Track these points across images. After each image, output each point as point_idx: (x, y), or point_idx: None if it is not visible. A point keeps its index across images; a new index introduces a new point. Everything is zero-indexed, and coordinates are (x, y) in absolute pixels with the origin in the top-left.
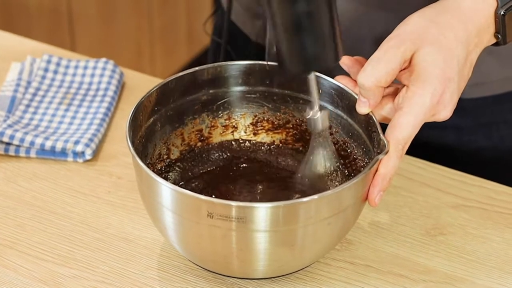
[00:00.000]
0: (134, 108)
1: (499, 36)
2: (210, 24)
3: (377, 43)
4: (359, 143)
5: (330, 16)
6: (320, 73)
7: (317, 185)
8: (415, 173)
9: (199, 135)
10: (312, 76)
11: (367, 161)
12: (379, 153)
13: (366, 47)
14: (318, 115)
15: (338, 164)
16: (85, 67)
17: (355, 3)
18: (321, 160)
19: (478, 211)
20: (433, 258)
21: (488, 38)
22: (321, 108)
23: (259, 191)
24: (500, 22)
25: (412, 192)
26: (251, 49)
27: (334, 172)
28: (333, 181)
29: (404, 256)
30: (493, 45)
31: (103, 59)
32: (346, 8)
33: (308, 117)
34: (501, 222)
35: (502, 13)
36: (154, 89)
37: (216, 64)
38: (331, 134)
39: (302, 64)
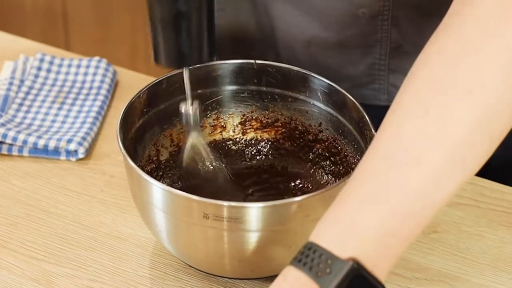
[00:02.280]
0: (124, 109)
1: None
2: None
3: (307, 43)
4: (350, 140)
5: (208, 15)
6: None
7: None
8: None
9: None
10: (185, 71)
11: (359, 157)
12: None
13: (299, 47)
14: (190, 109)
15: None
16: (78, 66)
17: (284, 3)
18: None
19: (473, 209)
20: (427, 255)
21: None
22: (194, 102)
23: (250, 190)
24: None
25: None
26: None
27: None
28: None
29: None
30: None
31: (96, 58)
32: (278, 7)
33: (182, 111)
34: (495, 220)
35: None
36: (144, 90)
37: (203, 64)
38: (320, 131)
39: (177, 61)
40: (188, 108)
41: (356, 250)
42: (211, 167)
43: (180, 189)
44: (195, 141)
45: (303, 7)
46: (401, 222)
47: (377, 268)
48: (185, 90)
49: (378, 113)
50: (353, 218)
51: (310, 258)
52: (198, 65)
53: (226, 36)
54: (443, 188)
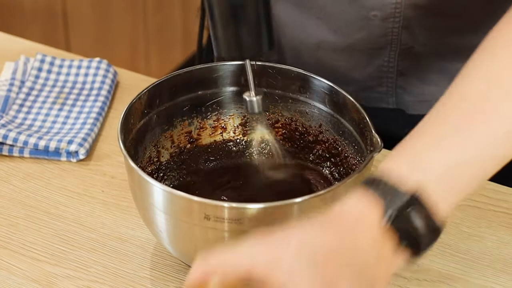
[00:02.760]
0: (125, 111)
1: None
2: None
3: (315, 47)
4: (350, 141)
5: (264, 7)
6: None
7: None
8: None
9: (188, 137)
10: (247, 62)
11: (359, 159)
12: (372, 151)
13: (306, 50)
14: (254, 98)
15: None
16: (79, 67)
17: (292, 7)
18: (263, 145)
19: (473, 209)
20: (427, 256)
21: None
22: (258, 93)
23: (250, 191)
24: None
25: None
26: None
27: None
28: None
29: None
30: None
31: (97, 59)
32: (285, 11)
33: (245, 98)
34: (495, 221)
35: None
36: (145, 91)
37: (204, 65)
38: (321, 132)
39: (237, 51)
40: (252, 97)
41: (421, 183)
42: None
43: (181, 190)
44: (261, 130)
45: (312, 11)
46: (468, 167)
47: (437, 205)
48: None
49: (384, 116)
50: (422, 153)
51: (377, 183)
52: (259, 57)
53: None
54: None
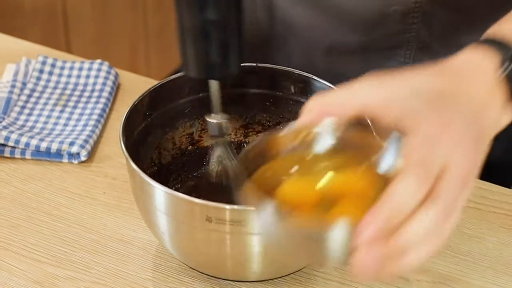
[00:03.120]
0: (127, 112)
1: None
2: None
3: (326, 50)
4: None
5: (237, 26)
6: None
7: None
8: None
9: (189, 138)
10: (213, 83)
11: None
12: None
13: (317, 54)
14: (215, 120)
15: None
16: (80, 69)
17: (307, 9)
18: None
19: (473, 211)
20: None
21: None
22: (223, 116)
23: None
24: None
25: None
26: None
27: None
28: None
29: None
30: None
31: (98, 61)
32: (299, 14)
33: (209, 120)
34: (496, 222)
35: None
36: (146, 93)
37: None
38: None
39: (204, 71)
40: (216, 119)
41: None
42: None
43: (182, 192)
44: (222, 153)
45: (327, 11)
46: None
47: None
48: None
49: None
50: None
51: (490, 40)
52: (225, 77)
53: None
54: None
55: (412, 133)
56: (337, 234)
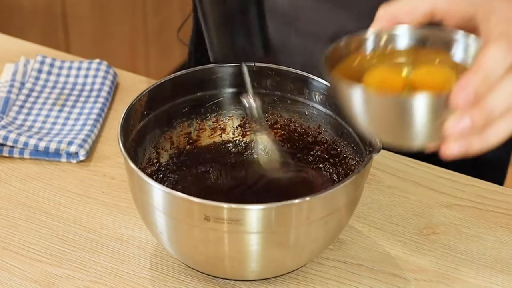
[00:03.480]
0: (125, 112)
1: None
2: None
3: (330, 42)
4: (349, 141)
5: (258, 11)
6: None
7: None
8: (408, 173)
9: (187, 138)
10: (243, 67)
11: (358, 159)
12: (371, 152)
13: (318, 45)
14: (253, 104)
15: (282, 149)
16: (79, 68)
17: (310, 1)
18: (263, 146)
19: (471, 210)
20: (426, 257)
21: None
22: (256, 97)
23: (250, 192)
24: None
25: (405, 191)
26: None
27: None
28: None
29: (396, 255)
30: None
31: (97, 60)
32: (301, 4)
33: (244, 103)
34: (494, 221)
35: None
36: (144, 92)
37: (203, 67)
38: (319, 133)
39: (232, 56)
40: (251, 102)
41: None
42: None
43: (180, 191)
44: (261, 135)
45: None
46: None
47: None
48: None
49: None
50: None
51: None
52: (254, 60)
53: None
54: None
55: (486, 19)
56: (425, 105)
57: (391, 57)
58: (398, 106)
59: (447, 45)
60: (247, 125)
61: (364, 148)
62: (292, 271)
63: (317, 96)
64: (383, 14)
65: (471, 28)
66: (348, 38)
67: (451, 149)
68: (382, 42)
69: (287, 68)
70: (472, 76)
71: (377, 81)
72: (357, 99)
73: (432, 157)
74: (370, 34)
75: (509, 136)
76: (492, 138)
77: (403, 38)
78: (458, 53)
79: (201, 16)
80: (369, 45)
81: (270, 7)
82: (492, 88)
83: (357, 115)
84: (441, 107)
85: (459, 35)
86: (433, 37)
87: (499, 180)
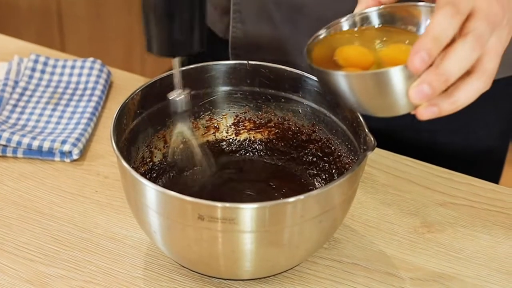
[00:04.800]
0: (118, 111)
1: None
2: None
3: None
4: (343, 140)
5: (199, 5)
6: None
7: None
8: (403, 171)
9: (181, 137)
10: (175, 60)
11: (353, 158)
12: (365, 150)
13: None
14: (179, 97)
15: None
16: (73, 67)
17: None
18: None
19: (466, 208)
20: (421, 256)
21: None
22: (184, 91)
23: (244, 191)
24: None
25: (400, 190)
26: (218, 47)
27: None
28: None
29: (392, 254)
30: None
31: (91, 59)
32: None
33: (170, 98)
34: (489, 220)
35: None
36: (137, 91)
37: (196, 65)
38: (314, 131)
39: (168, 49)
40: (177, 96)
41: None
42: (199, 159)
43: (174, 190)
44: (182, 129)
45: None
46: None
47: None
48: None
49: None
50: None
51: None
52: (188, 55)
53: (240, 47)
54: None
55: None
56: (396, 74)
57: (363, 36)
58: (366, 81)
59: (416, 22)
60: (240, 123)
61: (358, 146)
62: (287, 270)
63: (311, 94)
64: None
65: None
66: (327, 27)
67: (423, 113)
68: (357, 23)
69: (281, 66)
70: (423, 40)
71: (349, 55)
72: (331, 81)
73: (427, 155)
74: (345, 18)
75: (479, 94)
76: (462, 98)
77: (376, 18)
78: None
79: (142, 4)
80: (345, 27)
81: None
82: (446, 53)
83: (339, 95)
84: (405, 77)
85: (425, 10)
86: (403, 14)
87: (495, 177)
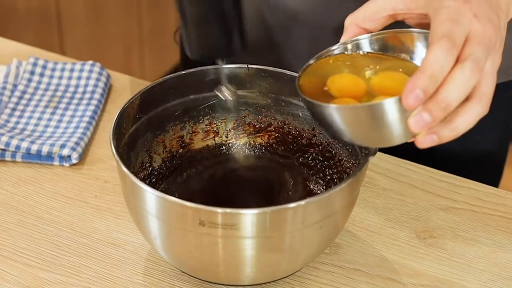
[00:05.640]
0: (117, 116)
1: None
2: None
3: (337, 31)
4: (344, 144)
5: (236, 7)
6: (228, 60)
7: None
8: (404, 175)
9: (180, 141)
10: (219, 63)
11: (354, 162)
12: (367, 154)
13: (327, 35)
14: (230, 98)
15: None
16: (72, 70)
17: None
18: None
19: (468, 213)
20: (423, 261)
21: None
22: (232, 92)
23: (244, 196)
24: None
25: (401, 194)
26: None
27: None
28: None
29: (393, 259)
30: None
31: (90, 62)
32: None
33: (219, 95)
34: (491, 224)
35: None
36: (136, 96)
37: (196, 69)
38: (314, 135)
39: (210, 52)
40: (226, 96)
41: None
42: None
43: (174, 196)
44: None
45: None
46: None
47: None
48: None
49: None
50: None
51: None
52: (231, 57)
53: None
54: None
55: (436, 15)
56: (393, 105)
57: (354, 63)
58: (361, 113)
59: (409, 49)
60: (240, 127)
61: (359, 150)
62: (288, 276)
63: None
64: (349, 23)
65: (429, 25)
66: (317, 56)
67: (423, 142)
68: (348, 50)
69: (281, 70)
70: (419, 77)
71: (340, 85)
72: (324, 114)
73: (426, 160)
74: (337, 46)
75: (478, 119)
76: (462, 124)
77: (367, 45)
78: (419, 56)
79: (179, 13)
80: (336, 49)
81: (272, 1)
82: (445, 80)
83: (332, 128)
84: (399, 108)
85: (418, 36)
86: (395, 42)
87: (494, 181)
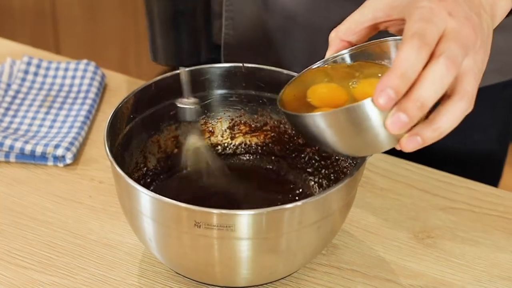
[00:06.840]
0: (111, 116)
1: None
2: None
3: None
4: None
5: (204, 14)
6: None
7: None
8: (402, 175)
9: (175, 141)
10: (182, 70)
11: (351, 161)
12: None
13: (324, 37)
14: (188, 106)
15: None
16: (66, 69)
17: None
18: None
19: (467, 213)
20: (421, 262)
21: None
22: (194, 101)
23: (240, 197)
24: None
25: (399, 194)
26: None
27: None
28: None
29: (391, 260)
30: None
31: (84, 61)
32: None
33: (178, 105)
34: (490, 224)
35: None
36: (130, 96)
37: (191, 68)
38: None
39: (175, 58)
40: (187, 104)
41: None
42: (212, 166)
43: (169, 197)
44: (195, 140)
45: None
46: None
47: None
48: (181, 90)
49: None
50: None
51: None
52: (195, 64)
53: (232, 52)
54: None
55: (410, 17)
56: (369, 107)
57: (335, 73)
58: (339, 118)
59: (388, 56)
60: (236, 127)
61: None
62: (285, 277)
63: None
64: (333, 38)
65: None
66: (300, 74)
67: (406, 144)
68: (329, 62)
69: (277, 69)
70: (389, 76)
71: (318, 98)
72: (306, 125)
73: (424, 159)
74: (317, 65)
75: (462, 117)
76: (444, 123)
77: (349, 60)
78: None
79: (146, 15)
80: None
81: (270, 2)
82: (418, 79)
83: (317, 140)
84: (376, 111)
85: (394, 43)
86: (376, 51)
87: (494, 180)
